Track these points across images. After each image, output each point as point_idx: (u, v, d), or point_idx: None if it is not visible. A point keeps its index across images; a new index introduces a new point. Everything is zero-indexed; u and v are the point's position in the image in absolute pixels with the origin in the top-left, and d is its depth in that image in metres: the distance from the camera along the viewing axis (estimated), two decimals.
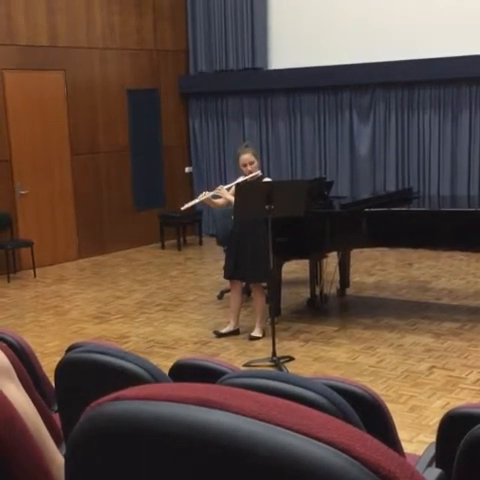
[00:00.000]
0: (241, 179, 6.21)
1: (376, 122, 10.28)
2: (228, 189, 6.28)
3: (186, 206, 6.30)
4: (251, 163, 6.15)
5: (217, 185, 6.77)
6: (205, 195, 6.21)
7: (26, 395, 1.45)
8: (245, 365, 5.65)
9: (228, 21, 11.09)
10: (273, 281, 6.20)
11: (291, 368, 5.60)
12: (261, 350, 6.08)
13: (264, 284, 6.58)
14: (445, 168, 9.84)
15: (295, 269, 8.37)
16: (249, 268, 6.16)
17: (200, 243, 11.14)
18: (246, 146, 6.51)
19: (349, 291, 7.80)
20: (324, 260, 7.31)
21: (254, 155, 6.24)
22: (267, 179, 6.19)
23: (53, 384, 2.63)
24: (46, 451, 1.34)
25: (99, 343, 2.81)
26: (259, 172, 6.22)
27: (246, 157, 6.18)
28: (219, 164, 11.49)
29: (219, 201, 6.34)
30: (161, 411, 0.86)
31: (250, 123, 11.20)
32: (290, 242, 6.49)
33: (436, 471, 2.21)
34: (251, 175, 6.13)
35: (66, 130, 10.05)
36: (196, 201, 6.41)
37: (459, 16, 9.32)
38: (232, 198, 5.98)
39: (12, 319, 7.42)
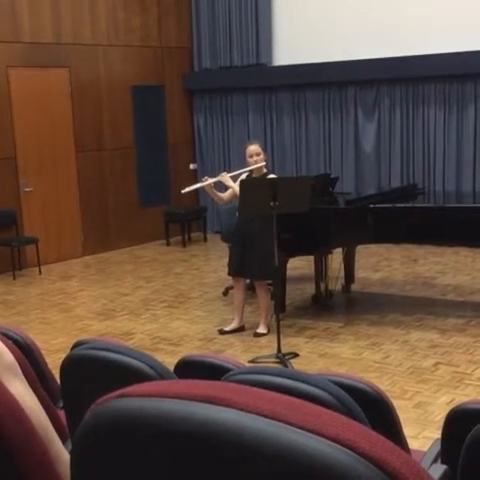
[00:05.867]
0: (246, 169, 6.23)
1: (381, 118, 10.26)
2: (232, 177, 6.29)
3: (187, 190, 6.36)
4: (258, 154, 6.17)
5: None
6: (207, 180, 6.21)
7: (32, 392, 1.45)
8: (250, 362, 5.65)
9: (232, 17, 11.08)
10: (278, 277, 6.19)
11: (296, 364, 5.60)
12: (266, 346, 6.08)
13: (268, 280, 6.57)
14: (450, 164, 9.82)
15: (300, 265, 8.37)
16: (255, 265, 6.15)
17: (205, 240, 11.13)
18: (254, 140, 6.57)
19: (354, 287, 7.79)
20: (329, 256, 7.30)
21: (261, 148, 6.26)
22: (272, 175, 6.18)
23: (58, 381, 2.63)
24: (52, 448, 1.35)
25: (104, 340, 2.82)
26: (264, 164, 6.23)
27: (253, 148, 6.21)
28: (224, 160, 11.48)
29: (223, 195, 6.34)
30: (167, 408, 0.86)
31: (255, 119, 11.19)
32: (295, 238, 6.48)
33: (441, 467, 2.21)
34: (256, 165, 6.14)
35: (71, 127, 10.06)
36: (197, 186, 6.52)
37: (464, 12, 9.29)
38: (235, 186, 6.05)
39: (17, 316, 7.43)
